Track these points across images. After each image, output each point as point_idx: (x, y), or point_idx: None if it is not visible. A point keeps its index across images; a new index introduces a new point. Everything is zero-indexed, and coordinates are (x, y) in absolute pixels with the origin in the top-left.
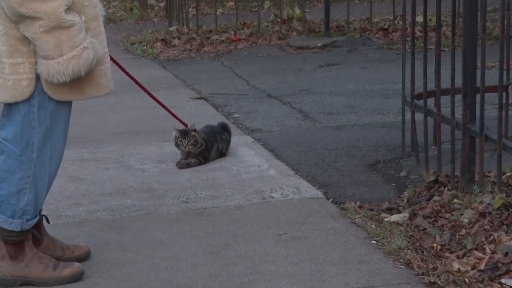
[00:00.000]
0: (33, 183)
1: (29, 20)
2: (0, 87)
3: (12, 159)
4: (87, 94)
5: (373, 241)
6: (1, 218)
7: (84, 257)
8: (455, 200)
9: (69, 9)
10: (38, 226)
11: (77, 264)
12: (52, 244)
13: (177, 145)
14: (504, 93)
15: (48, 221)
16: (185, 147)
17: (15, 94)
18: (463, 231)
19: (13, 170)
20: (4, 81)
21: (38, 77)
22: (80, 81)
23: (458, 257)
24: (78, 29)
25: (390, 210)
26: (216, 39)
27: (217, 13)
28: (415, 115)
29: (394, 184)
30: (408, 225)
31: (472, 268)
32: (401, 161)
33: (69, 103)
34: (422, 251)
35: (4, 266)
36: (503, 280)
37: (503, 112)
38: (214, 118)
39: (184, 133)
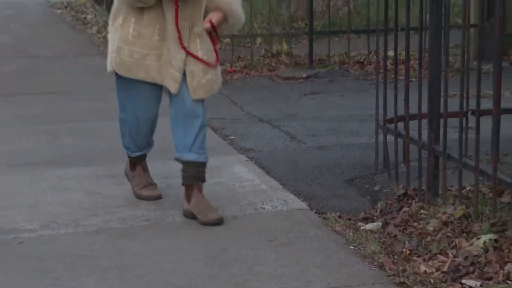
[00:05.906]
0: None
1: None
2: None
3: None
4: None
5: (351, 247)
6: (204, 154)
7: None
8: (421, 211)
9: None
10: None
11: (157, 191)
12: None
13: None
14: (464, 118)
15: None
16: None
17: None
18: (429, 238)
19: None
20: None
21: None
22: None
23: (424, 260)
24: None
25: (365, 220)
26: None
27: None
28: (387, 137)
29: (369, 197)
30: (381, 232)
31: (437, 270)
32: (375, 177)
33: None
34: (393, 255)
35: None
36: (463, 281)
37: (463, 135)
38: (213, 140)
39: None
